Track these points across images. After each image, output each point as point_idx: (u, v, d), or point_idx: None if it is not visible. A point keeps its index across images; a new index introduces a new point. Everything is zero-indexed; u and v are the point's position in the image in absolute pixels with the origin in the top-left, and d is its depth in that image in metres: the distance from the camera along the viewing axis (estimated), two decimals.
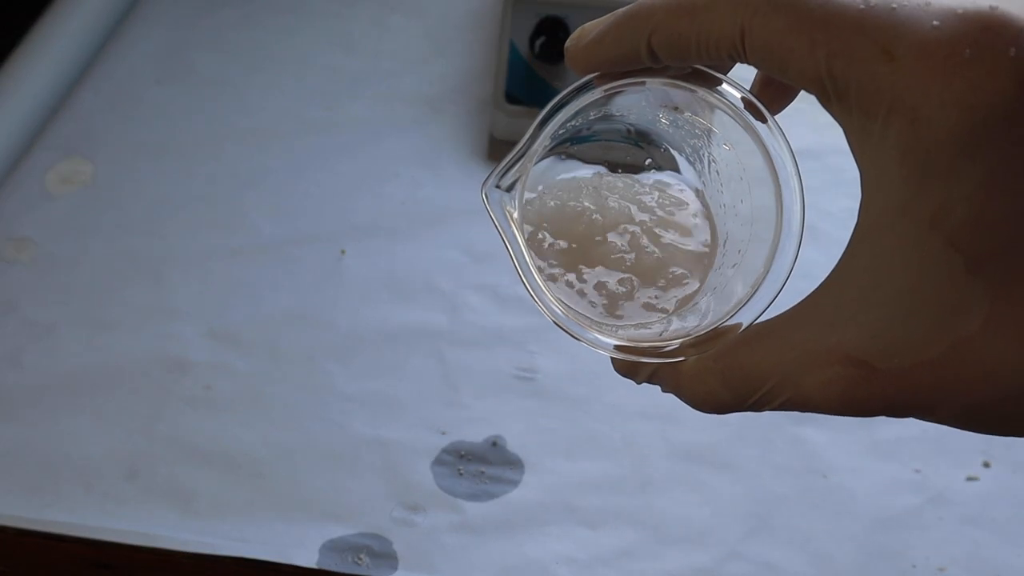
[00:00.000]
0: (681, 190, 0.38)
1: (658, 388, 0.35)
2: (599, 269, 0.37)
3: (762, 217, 0.34)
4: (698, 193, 0.38)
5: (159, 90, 0.83)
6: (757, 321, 0.33)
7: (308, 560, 0.57)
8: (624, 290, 0.36)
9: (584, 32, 0.33)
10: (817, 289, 0.31)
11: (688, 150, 0.38)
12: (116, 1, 0.88)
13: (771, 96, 0.35)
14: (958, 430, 0.30)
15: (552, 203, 0.37)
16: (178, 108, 0.81)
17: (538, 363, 0.66)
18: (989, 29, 0.27)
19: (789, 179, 0.33)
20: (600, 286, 0.37)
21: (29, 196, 0.75)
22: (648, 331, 0.35)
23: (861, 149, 0.29)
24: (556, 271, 0.37)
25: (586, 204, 0.37)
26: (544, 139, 0.34)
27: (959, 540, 0.59)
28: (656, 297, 0.37)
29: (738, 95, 0.33)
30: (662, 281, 0.37)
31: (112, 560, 0.58)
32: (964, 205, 0.27)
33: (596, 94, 0.34)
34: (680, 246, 0.37)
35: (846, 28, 0.28)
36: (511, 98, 0.77)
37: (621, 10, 0.32)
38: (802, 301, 0.31)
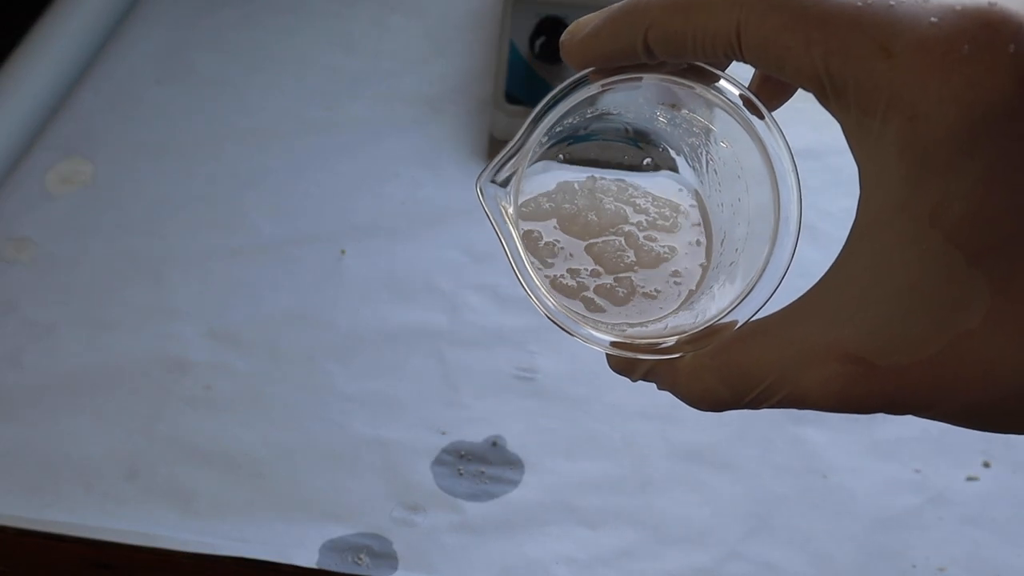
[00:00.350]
0: (679, 190, 0.38)
1: (654, 386, 0.35)
2: (596, 268, 0.37)
3: (760, 215, 0.34)
4: (696, 194, 0.38)
5: (159, 90, 0.83)
6: (754, 318, 0.33)
7: (308, 560, 0.57)
8: (622, 290, 0.36)
9: (580, 26, 0.33)
10: (815, 286, 0.31)
11: (686, 149, 0.38)
12: (116, 1, 0.88)
13: (769, 93, 0.35)
14: (958, 429, 0.30)
15: (547, 205, 0.37)
16: (178, 108, 0.81)
17: (538, 363, 0.66)
18: (988, 25, 0.27)
19: (786, 176, 0.33)
20: (599, 287, 0.37)
21: (29, 196, 0.75)
22: (644, 329, 0.35)
23: (860, 146, 0.29)
24: (552, 271, 0.37)
25: (581, 205, 0.37)
26: (539, 135, 0.34)
27: (959, 540, 0.59)
28: (653, 296, 0.37)
29: (736, 92, 0.33)
30: (659, 280, 0.37)
31: (112, 560, 0.58)
32: (963, 201, 0.27)
33: (592, 89, 0.34)
34: (676, 247, 0.37)
35: (843, 25, 0.28)
36: (511, 98, 0.77)
37: (617, 5, 0.32)
38: (800, 298, 0.31)
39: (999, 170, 0.27)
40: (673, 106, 0.36)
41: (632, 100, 0.36)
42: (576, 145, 0.38)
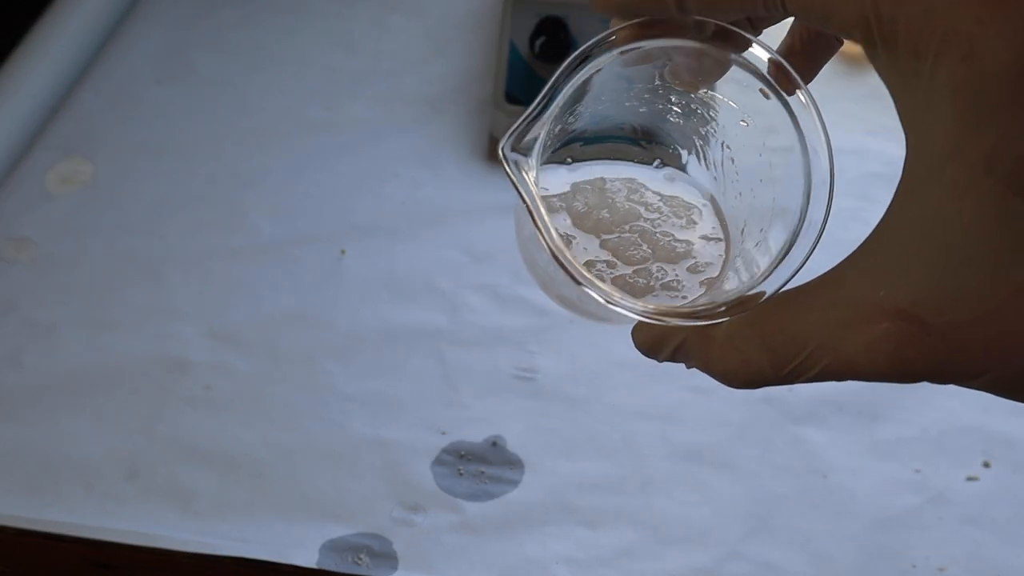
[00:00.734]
0: (690, 189, 0.38)
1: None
2: (612, 260, 0.36)
3: (786, 188, 0.33)
4: (710, 194, 0.38)
5: (159, 90, 0.83)
6: (792, 285, 0.31)
7: (308, 560, 0.57)
8: (642, 280, 0.35)
9: None
10: (862, 245, 0.29)
11: (699, 142, 0.37)
12: (116, 1, 0.88)
13: (801, 60, 0.34)
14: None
15: (558, 203, 0.37)
16: (178, 108, 0.81)
17: (538, 363, 0.66)
18: None
19: (817, 144, 0.32)
20: (617, 278, 0.36)
21: (29, 196, 0.75)
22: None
23: (907, 94, 0.28)
24: None
25: (592, 203, 0.37)
26: (560, 101, 0.33)
27: (959, 540, 0.59)
28: (675, 288, 0.36)
29: (765, 56, 0.32)
30: (679, 271, 0.36)
31: (112, 560, 0.58)
32: (1021, 144, 0.26)
33: (611, 57, 0.32)
34: (692, 242, 0.37)
35: None
36: (511, 98, 0.77)
37: None
38: (845, 259, 0.29)
39: None
40: (688, 83, 0.35)
41: (646, 77, 0.35)
42: (585, 148, 0.38)
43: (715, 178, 0.37)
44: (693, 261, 0.36)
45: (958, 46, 0.26)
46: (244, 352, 0.66)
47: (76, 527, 0.58)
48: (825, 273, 0.30)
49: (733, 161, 0.36)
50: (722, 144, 0.36)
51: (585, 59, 0.33)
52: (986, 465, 0.63)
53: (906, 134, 0.28)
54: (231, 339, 0.67)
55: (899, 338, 0.28)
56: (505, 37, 0.79)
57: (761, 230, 0.34)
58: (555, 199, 0.37)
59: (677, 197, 0.38)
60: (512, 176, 0.32)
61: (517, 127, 0.32)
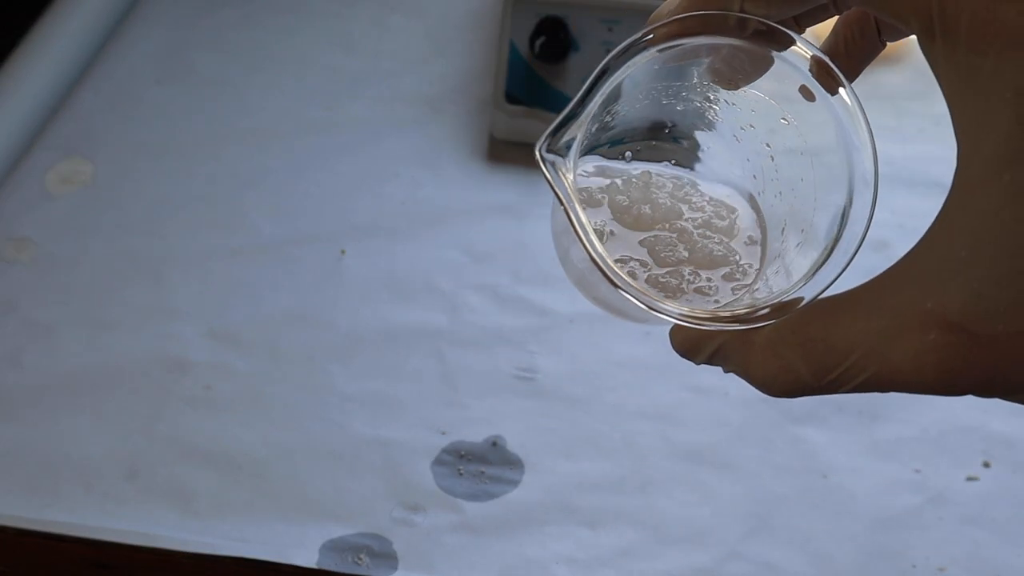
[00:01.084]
0: (732, 192, 0.37)
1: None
2: (646, 260, 0.35)
3: (827, 188, 0.32)
4: (749, 195, 0.37)
5: (159, 90, 0.83)
6: (836, 292, 0.30)
7: (308, 560, 0.57)
8: (674, 281, 0.35)
9: None
10: (911, 251, 0.28)
11: (738, 140, 0.36)
12: (116, 1, 0.88)
13: (840, 66, 0.33)
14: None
15: (600, 195, 0.36)
16: (178, 108, 0.81)
17: (538, 363, 0.66)
18: None
19: (861, 144, 0.31)
20: (650, 278, 0.35)
21: (29, 196, 0.75)
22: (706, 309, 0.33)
23: (964, 91, 0.27)
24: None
25: (634, 197, 0.36)
26: (596, 102, 0.32)
27: (959, 540, 0.59)
28: (706, 292, 0.35)
29: (808, 55, 0.32)
30: (713, 275, 0.35)
31: (112, 560, 0.58)
32: None
33: (650, 54, 0.32)
34: (731, 243, 0.36)
35: None
36: (511, 98, 0.77)
37: None
38: (893, 265, 0.28)
39: None
40: (730, 82, 0.34)
41: (685, 76, 0.35)
42: (624, 146, 0.37)
43: (754, 176, 0.37)
44: (728, 269, 0.35)
45: (1022, 43, 0.25)
46: (244, 352, 0.66)
47: (76, 527, 0.58)
48: (871, 280, 0.29)
49: (773, 159, 0.36)
50: (763, 143, 0.36)
51: (623, 56, 0.32)
52: (986, 465, 0.63)
53: (958, 135, 0.27)
54: (231, 339, 0.67)
55: (944, 349, 0.27)
56: (505, 37, 0.79)
57: (802, 231, 0.34)
58: (597, 191, 0.36)
59: (721, 200, 0.37)
60: (549, 177, 0.31)
61: (554, 127, 0.32)
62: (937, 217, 0.28)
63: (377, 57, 0.86)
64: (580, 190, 0.36)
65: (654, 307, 0.31)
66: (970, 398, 0.68)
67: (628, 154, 0.37)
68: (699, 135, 0.37)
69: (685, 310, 0.31)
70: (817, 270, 0.31)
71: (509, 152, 0.78)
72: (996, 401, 0.67)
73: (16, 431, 0.62)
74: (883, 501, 0.61)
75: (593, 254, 0.31)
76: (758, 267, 0.36)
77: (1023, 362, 0.26)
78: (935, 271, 0.27)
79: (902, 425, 0.64)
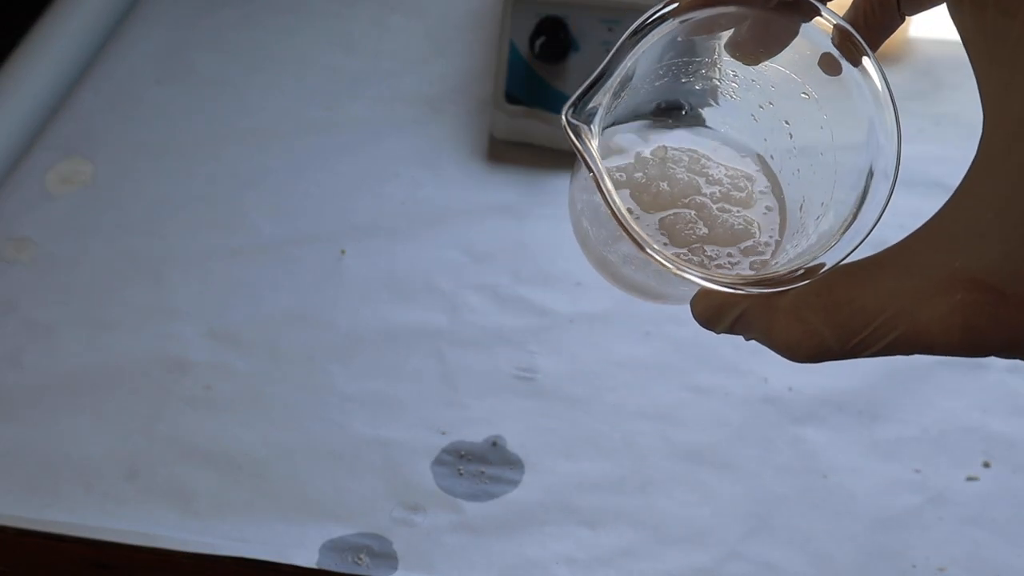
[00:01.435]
0: (743, 162, 0.37)
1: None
2: (665, 241, 0.35)
3: (848, 159, 0.32)
4: (763, 161, 0.37)
5: (159, 90, 0.83)
6: (851, 259, 0.30)
7: (308, 560, 0.57)
8: (696, 258, 0.35)
9: None
10: (936, 214, 0.28)
11: (757, 119, 0.36)
12: (116, 1, 0.88)
13: (868, 28, 0.33)
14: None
15: (618, 175, 0.36)
16: (178, 108, 0.81)
17: (538, 363, 0.66)
18: None
19: (881, 112, 0.31)
20: (673, 256, 0.35)
21: (29, 196, 0.75)
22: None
23: (992, 55, 0.26)
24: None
25: (652, 175, 0.36)
26: (621, 71, 0.32)
27: (959, 540, 0.59)
28: (730, 265, 0.35)
29: (832, 24, 0.32)
30: (734, 250, 0.35)
31: (112, 560, 0.58)
32: None
33: (672, 24, 0.32)
34: (753, 218, 0.36)
35: None
36: (511, 98, 0.77)
37: None
38: (918, 229, 0.28)
39: None
40: (751, 56, 0.34)
41: (705, 51, 0.34)
42: (635, 123, 0.37)
43: (772, 157, 0.37)
44: (750, 243, 0.35)
45: None
46: (244, 352, 0.66)
47: (76, 527, 0.58)
48: (894, 244, 0.29)
49: (791, 136, 0.36)
50: (782, 121, 0.36)
51: (647, 28, 0.32)
52: (986, 465, 0.63)
53: (984, 99, 0.27)
54: (231, 339, 0.67)
55: (972, 309, 0.27)
56: (505, 37, 0.79)
57: (823, 204, 0.34)
58: (616, 171, 0.36)
59: (739, 169, 0.37)
60: (575, 142, 0.31)
61: (579, 95, 0.32)
62: (963, 180, 0.28)
63: (377, 57, 0.86)
64: None
65: (680, 271, 0.31)
66: (970, 398, 0.68)
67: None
68: (715, 115, 0.37)
69: (713, 273, 0.31)
70: (841, 235, 0.31)
71: (509, 152, 0.78)
72: (996, 401, 0.67)
73: (16, 431, 0.62)
74: (883, 501, 0.61)
75: (619, 215, 0.31)
76: (778, 239, 0.36)
77: None
78: (962, 232, 0.27)
79: (902, 425, 0.64)
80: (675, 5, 0.32)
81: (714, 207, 0.36)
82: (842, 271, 0.29)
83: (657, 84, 0.35)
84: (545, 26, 0.78)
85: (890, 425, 0.64)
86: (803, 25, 0.32)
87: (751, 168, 0.37)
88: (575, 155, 0.32)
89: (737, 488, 0.61)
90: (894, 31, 0.35)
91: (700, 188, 0.36)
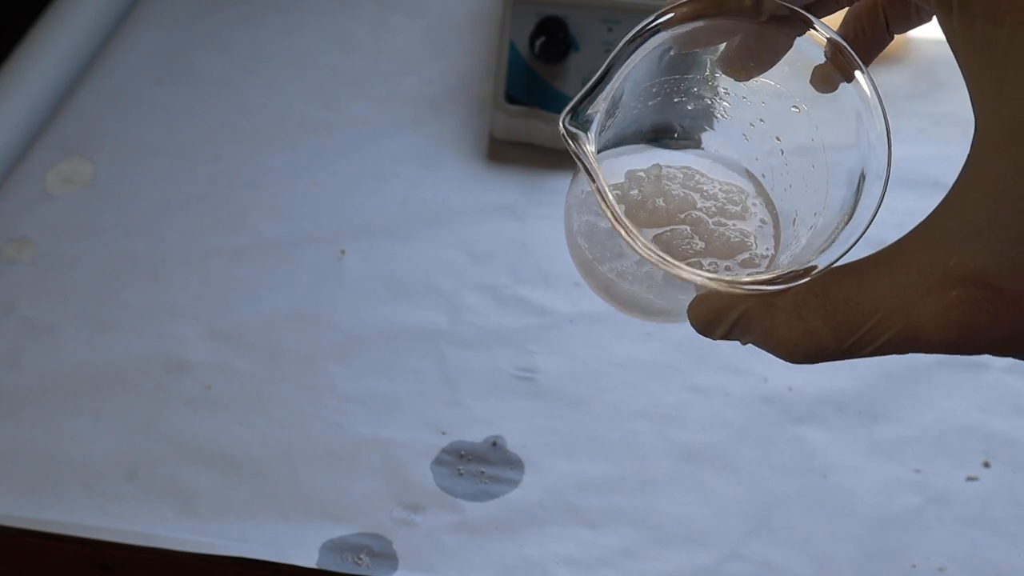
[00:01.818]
0: (736, 177, 0.37)
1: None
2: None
3: (840, 169, 0.33)
4: (755, 179, 0.37)
5: (159, 90, 0.83)
6: (848, 261, 0.30)
7: (308, 560, 0.57)
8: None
9: None
10: (930, 215, 0.29)
11: (748, 137, 0.36)
12: (116, 1, 0.88)
13: (859, 44, 0.33)
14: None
15: (614, 193, 0.36)
16: (178, 108, 0.81)
17: (538, 363, 0.66)
18: None
19: (872, 121, 0.32)
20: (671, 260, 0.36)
21: (29, 196, 0.75)
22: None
23: (981, 61, 0.27)
24: (619, 263, 0.35)
25: (647, 192, 0.36)
26: (617, 79, 0.32)
27: (959, 540, 0.59)
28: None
29: (825, 38, 0.32)
30: (731, 263, 0.35)
31: (112, 560, 0.58)
32: None
33: (665, 36, 0.32)
34: (748, 231, 0.36)
35: None
36: (511, 98, 0.77)
37: None
38: (913, 229, 0.29)
39: None
40: (742, 71, 0.34)
41: (697, 68, 0.35)
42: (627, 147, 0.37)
43: (763, 175, 0.37)
44: (747, 255, 0.36)
45: None
46: (244, 352, 0.66)
47: (76, 527, 0.58)
48: (891, 244, 0.29)
49: (783, 154, 0.36)
50: (773, 138, 0.36)
51: (641, 36, 0.32)
52: (986, 465, 0.63)
53: (975, 104, 0.28)
54: (231, 339, 0.67)
55: (969, 306, 0.27)
56: (505, 37, 0.79)
57: (815, 214, 0.34)
58: (612, 188, 0.36)
59: (733, 184, 0.37)
60: (573, 149, 0.31)
61: (575, 102, 0.32)
62: (956, 180, 0.28)
63: (377, 57, 0.86)
64: (589, 193, 0.36)
65: (680, 269, 0.31)
66: (970, 398, 0.68)
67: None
68: (708, 136, 0.37)
69: (715, 274, 0.31)
70: (839, 233, 0.31)
71: (509, 152, 0.78)
72: (996, 401, 0.67)
73: (16, 431, 0.62)
74: (883, 501, 0.61)
75: (616, 219, 0.31)
76: (773, 252, 0.36)
77: None
78: (957, 231, 0.28)
79: (902, 425, 0.64)
80: (671, 15, 0.32)
81: (710, 221, 0.36)
82: (839, 271, 0.30)
83: (650, 104, 0.36)
84: (545, 26, 0.78)
85: (890, 425, 0.64)
86: (798, 38, 0.33)
87: (745, 184, 0.37)
88: (574, 163, 0.32)
89: (737, 488, 0.61)
90: (882, 50, 0.35)
91: (695, 203, 0.36)
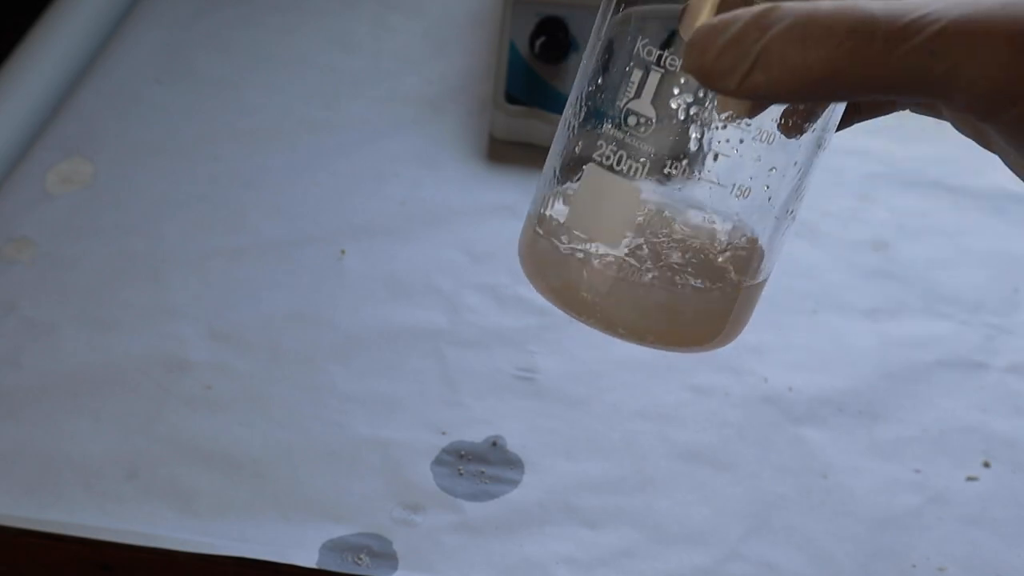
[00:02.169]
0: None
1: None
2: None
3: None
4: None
5: (159, 90, 0.83)
6: None
7: (308, 560, 0.57)
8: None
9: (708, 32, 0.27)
10: None
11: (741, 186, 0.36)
12: (116, 1, 0.88)
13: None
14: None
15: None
16: (178, 108, 0.81)
17: (538, 363, 0.66)
18: None
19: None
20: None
21: (29, 196, 0.75)
22: None
23: None
24: None
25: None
26: None
27: (959, 540, 0.59)
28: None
29: None
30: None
31: (112, 560, 0.58)
32: None
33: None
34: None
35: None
36: (511, 98, 0.77)
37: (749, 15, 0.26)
38: None
39: None
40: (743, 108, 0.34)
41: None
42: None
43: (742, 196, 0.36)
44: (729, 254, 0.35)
45: None
46: (244, 352, 0.66)
47: (76, 527, 0.58)
48: None
49: (767, 188, 0.36)
50: (764, 186, 0.36)
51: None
52: (986, 465, 0.63)
53: None
54: (231, 339, 0.67)
55: None
56: (505, 37, 0.79)
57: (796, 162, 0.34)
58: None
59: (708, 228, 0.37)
60: None
61: None
62: None
63: (377, 57, 0.86)
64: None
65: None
66: (970, 398, 0.68)
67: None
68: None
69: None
70: None
71: (509, 152, 0.78)
72: (996, 401, 0.67)
73: (16, 431, 0.62)
74: (883, 501, 0.61)
75: None
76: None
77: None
78: None
79: (902, 425, 0.64)
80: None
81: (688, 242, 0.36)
82: None
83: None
84: (545, 26, 0.78)
85: (890, 425, 0.64)
86: None
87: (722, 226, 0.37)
88: None
89: (737, 488, 0.61)
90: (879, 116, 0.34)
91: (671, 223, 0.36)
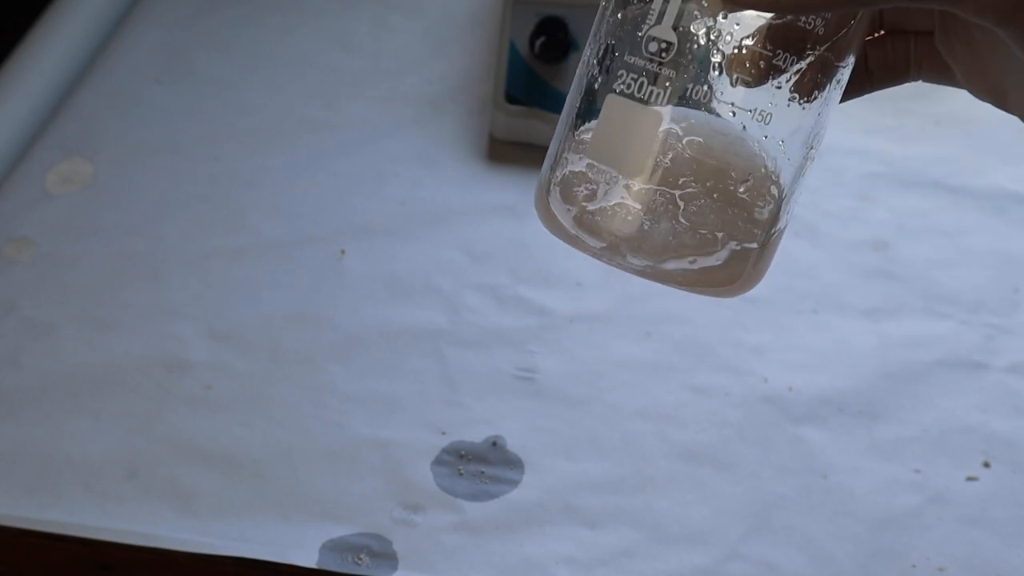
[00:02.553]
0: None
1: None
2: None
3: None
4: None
5: (159, 90, 0.83)
6: None
7: (308, 560, 0.57)
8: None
9: None
10: None
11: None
12: (116, 1, 0.88)
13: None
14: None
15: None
16: (178, 108, 0.81)
17: (538, 363, 0.66)
18: None
19: None
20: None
21: (29, 196, 0.75)
22: None
23: None
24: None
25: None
26: None
27: (959, 540, 0.59)
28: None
29: None
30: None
31: (112, 560, 0.58)
32: None
33: None
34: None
35: None
36: (511, 98, 0.77)
37: None
38: None
39: None
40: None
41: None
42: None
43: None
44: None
45: None
46: (244, 352, 0.66)
47: (76, 527, 0.58)
48: None
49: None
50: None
51: None
52: (986, 465, 0.63)
53: None
54: (231, 339, 0.67)
55: None
56: (505, 37, 0.79)
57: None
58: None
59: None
60: None
61: None
62: None
63: (377, 57, 0.86)
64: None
65: None
66: (970, 398, 0.68)
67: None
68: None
69: None
70: None
71: (509, 152, 0.78)
72: (996, 401, 0.67)
73: (16, 431, 0.62)
74: (883, 501, 0.61)
75: None
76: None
77: None
78: None
79: (902, 425, 0.64)
80: None
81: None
82: None
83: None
84: (545, 26, 0.78)
85: (890, 425, 0.64)
86: None
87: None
88: None
89: (737, 488, 0.61)
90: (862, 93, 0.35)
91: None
